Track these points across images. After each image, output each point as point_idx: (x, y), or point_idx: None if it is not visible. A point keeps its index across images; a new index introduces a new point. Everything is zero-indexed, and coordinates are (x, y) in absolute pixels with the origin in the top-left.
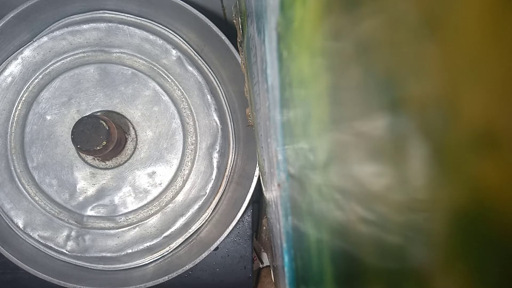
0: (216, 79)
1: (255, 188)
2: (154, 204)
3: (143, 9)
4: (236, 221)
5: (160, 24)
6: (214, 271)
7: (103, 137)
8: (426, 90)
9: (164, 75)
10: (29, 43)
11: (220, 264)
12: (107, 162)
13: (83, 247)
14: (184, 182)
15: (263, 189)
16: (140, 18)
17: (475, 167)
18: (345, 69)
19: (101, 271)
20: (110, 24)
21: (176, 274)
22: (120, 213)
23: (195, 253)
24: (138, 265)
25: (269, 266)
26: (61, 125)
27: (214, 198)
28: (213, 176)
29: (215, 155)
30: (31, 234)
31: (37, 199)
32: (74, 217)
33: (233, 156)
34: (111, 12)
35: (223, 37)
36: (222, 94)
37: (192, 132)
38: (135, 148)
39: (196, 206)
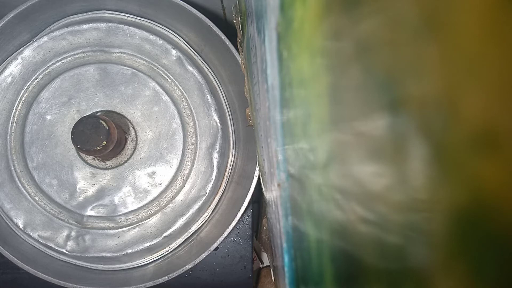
0: (216, 79)
1: (255, 188)
2: (154, 204)
3: (143, 9)
4: (236, 221)
5: (160, 24)
6: (214, 271)
7: (103, 137)
8: (426, 90)
9: (164, 75)
10: (29, 43)
11: (220, 264)
12: (107, 162)
13: (83, 247)
14: (184, 182)
15: (263, 189)
16: (140, 18)
17: (475, 167)
18: (345, 69)
19: (101, 271)
20: (110, 24)
21: (176, 274)
22: (120, 213)
23: (195, 253)
24: (138, 265)
25: (269, 266)
26: (61, 125)
27: (214, 198)
28: (213, 176)
29: (215, 155)
30: (31, 234)
31: (37, 199)
32: (74, 217)
33: (233, 156)
34: (111, 12)
35: (223, 37)
36: (222, 94)
37: (192, 132)
38: (135, 148)
39: (196, 206)
